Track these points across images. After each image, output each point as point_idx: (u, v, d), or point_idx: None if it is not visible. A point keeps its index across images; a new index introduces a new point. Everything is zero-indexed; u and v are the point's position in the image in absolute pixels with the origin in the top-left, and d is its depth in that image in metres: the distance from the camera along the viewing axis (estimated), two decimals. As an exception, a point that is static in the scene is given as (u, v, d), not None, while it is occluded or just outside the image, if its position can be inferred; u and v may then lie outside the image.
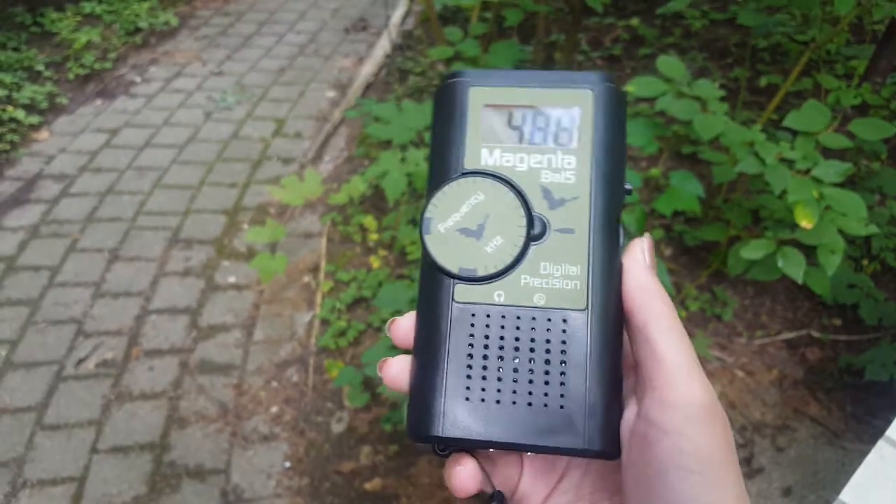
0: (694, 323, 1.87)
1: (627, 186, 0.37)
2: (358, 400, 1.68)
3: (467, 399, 0.32)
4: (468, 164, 0.36)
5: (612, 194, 0.36)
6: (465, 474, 0.35)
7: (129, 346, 1.90)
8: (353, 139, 2.74)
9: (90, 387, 1.78)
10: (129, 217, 2.36)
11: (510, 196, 0.36)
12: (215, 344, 1.90)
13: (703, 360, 1.76)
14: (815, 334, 1.85)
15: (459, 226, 0.36)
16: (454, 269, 0.35)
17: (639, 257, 0.35)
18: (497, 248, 0.35)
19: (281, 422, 1.70)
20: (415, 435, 0.33)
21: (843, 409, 1.68)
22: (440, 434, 0.32)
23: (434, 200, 0.36)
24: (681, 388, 0.31)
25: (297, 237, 2.26)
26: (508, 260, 0.35)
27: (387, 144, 2.35)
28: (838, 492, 0.87)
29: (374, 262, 2.09)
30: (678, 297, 1.91)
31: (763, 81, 2.65)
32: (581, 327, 0.33)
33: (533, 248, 0.35)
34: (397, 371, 0.36)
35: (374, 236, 2.19)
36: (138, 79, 3.23)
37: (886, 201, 2.14)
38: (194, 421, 1.70)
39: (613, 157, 0.36)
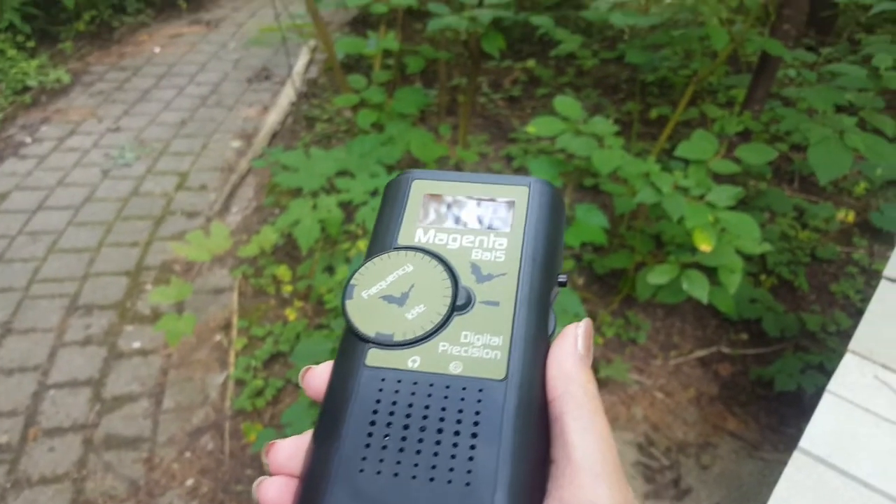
0: (611, 348, 1.91)
1: (561, 278, 0.37)
2: (280, 461, 1.60)
3: (361, 471, 0.29)
4: (401, 242, 0.37)
5: (541, 275, 0.35)
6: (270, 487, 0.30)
7: (25, 426, 1.75)
8: (261, 189, 2.68)
9: (-19, 477, 1.63)
10: (21, 286, 2.20)
11: (438, 269, 0.35)
12: (122, 416, 1.78)
13: (623, 385, 1.80)
14: (725, 350, 1.93)
15: (383, 293, 0.35)
16: (371, 334, 0.33)
17: (568, 342, 0.32)
18: (418, 315, 0.34)
19: (198, 495, 1.60)
20: None
21: (759, 421, 1.75)
22: None
23: (361, 270, 0.36)
24: (584, 489, 0.27)
25: (206, 294, 2.17)
26: (429, 327, 0.33)
27: (297, 192, 2.31)
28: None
29: (290, 313, 2.03)
30: (594, 325, 1.95)
31: (654, 114, 2.80)
32: (497, 399, 0.30)
33: (456, 318, 0.34)
34: (286, 457, 0.31)
35: (288, 287, 2.13)
36: (28, 139, 3.06)
37: (776, 218, 2.29)
38: (102, 503, 1.58)
39: (545, 243, 0.37)
